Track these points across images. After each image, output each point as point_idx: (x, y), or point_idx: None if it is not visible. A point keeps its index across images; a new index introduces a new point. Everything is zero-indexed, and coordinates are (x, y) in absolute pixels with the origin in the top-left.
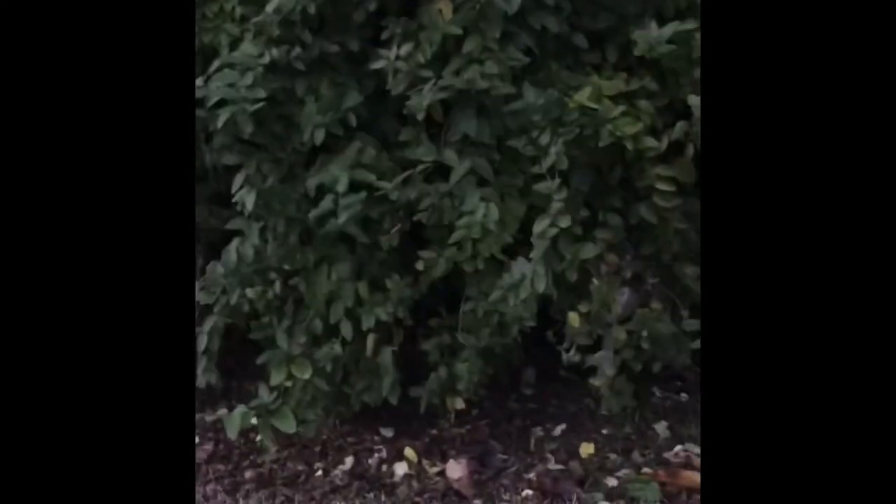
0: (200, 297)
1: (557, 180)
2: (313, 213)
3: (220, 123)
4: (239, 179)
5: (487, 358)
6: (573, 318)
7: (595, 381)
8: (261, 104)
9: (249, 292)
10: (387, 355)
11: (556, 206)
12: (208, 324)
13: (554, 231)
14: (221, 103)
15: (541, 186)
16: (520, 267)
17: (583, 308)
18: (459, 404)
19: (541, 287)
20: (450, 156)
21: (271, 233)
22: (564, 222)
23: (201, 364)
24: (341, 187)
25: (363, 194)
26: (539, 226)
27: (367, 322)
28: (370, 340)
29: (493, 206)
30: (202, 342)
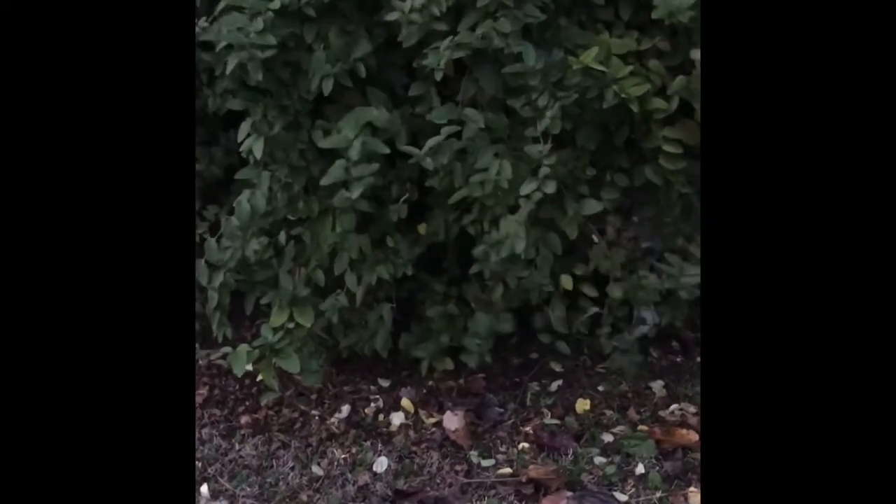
0: (210, 254)
1: (549, 145)
2: (325, 181)
3: (228, 69)
4: (245, 127)
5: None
6: (566, 281)
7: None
8: (272, 52)
9: (254, 243)
10: (385, 311)
11: (543, 170)
12: (217, 280)
13: (539, 196)
14: (229, 47)
15: (532, 149)
16: (507, 225)
17: (578, 270)
18: (449, 365)
19: (519, 248)
20: (471, 114)
21: (276, 182)
22: (551, 187)
23: (215, 319)
24: (354, 154)
25: (376, 166)
26: (526, 188)
27: (369, 279)
28: (360, 292)
29: (507, 163)
30: (213, 299)
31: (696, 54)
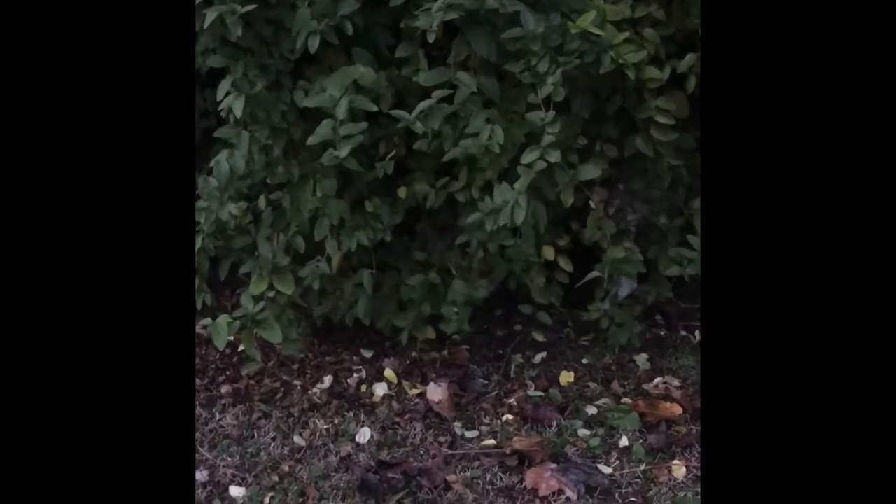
0: None
1: (552, 112)
2: (311, 140)
3: (206, 23)
4: (225, 85)
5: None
6: (547, 252)
7: (592, 315)
8: (251, 7)
9: (232, 207)
10: (365, 277)
11: (547, 138)
12: (196, 244)
13: (542, 165)
14: (208, 1)
15: (534, 116)
16: (502, 193)
17: (562, 242)
18: (430, 334)
19: (519, 218)
20: (463, 78)
21: (255, 144)
22: (554, 157)
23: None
24: (341, 113)
25: (364, 124)
26: (528, 156)
27: (349, 244)
28: (336, 260)
29: (499, 128)
30: None
31: None
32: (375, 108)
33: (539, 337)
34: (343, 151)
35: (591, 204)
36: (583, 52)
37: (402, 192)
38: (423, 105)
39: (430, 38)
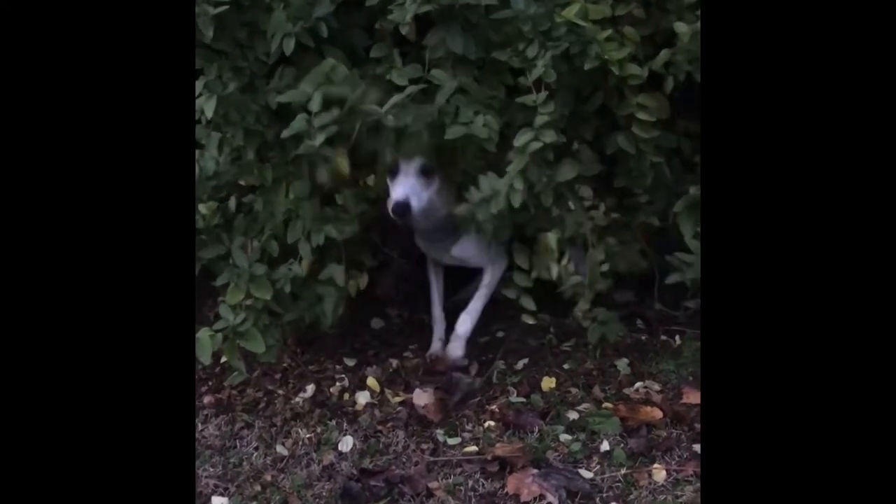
0: None
1: (544, 93)
2: (285, 133)
3: None
4: (198, 86)
5: None
6: (550, 240)
7: (577, 312)
8: (223, 8)
9: (203, 208)
10: (336, 272)
11: (540, 119)
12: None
13: (537, 145)
14: None
15: (526, 99)
16: (489, 182)
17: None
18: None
19: (517, 201)
20: (439, 75)
21: (228, 145)
22: (549, 137)
23: None
24: (314, 106)
25: (336, 112)
26: (521, 139)
27: (318, 240)
28: (306, 263)
29: (491, 118)
30: None
31: (680, 27)
32: (348, 96)
33: (529, 320)
34: (318, 140)
35: (570, 205)
36: (570, 40)
37: (370, 180)
38: (394, 99)
39: (404, 31)
